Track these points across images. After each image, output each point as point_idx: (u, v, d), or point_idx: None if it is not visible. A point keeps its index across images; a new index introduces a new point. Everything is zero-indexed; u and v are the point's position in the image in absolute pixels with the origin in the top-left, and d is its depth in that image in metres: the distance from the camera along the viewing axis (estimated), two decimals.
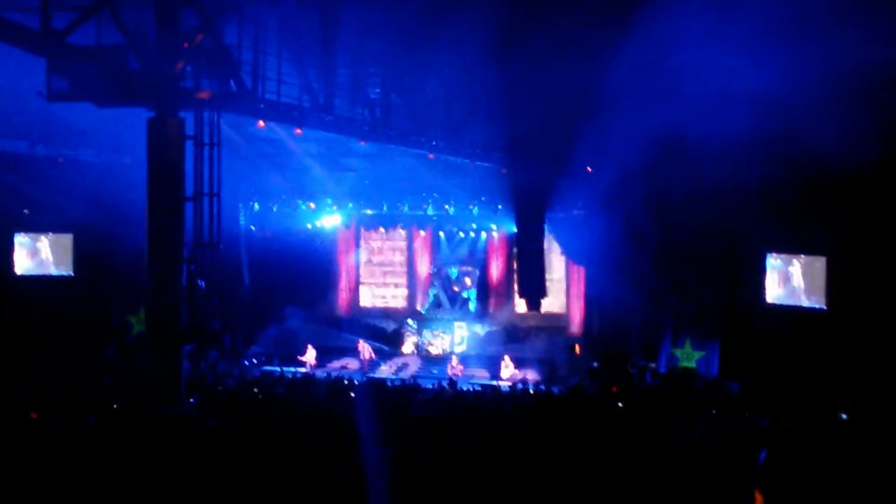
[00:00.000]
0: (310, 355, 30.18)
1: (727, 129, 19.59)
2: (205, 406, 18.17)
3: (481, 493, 8.24)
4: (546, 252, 28.45)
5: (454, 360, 29.64)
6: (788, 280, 23.55)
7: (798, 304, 23.31)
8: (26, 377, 20.25)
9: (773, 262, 23.84)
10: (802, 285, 23.28)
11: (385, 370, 30.00)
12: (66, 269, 26.52)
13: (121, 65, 14.74)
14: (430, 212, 31.69)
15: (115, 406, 17.62)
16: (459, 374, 28.61)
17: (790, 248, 23.56)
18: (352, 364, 30.67)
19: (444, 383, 23.25)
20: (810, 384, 20.38)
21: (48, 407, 16.32)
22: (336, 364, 30.49)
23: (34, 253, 26.43)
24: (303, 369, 28.79)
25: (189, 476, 7.57)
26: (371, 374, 28.59)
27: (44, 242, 26.40)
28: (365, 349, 30.54)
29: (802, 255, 23.30)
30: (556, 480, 10.35)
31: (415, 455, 10.69)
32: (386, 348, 32.25)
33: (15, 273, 26.11)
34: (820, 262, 22.85)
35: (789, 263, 23.56)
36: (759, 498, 7.85)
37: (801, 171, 20.68)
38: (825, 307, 22.65)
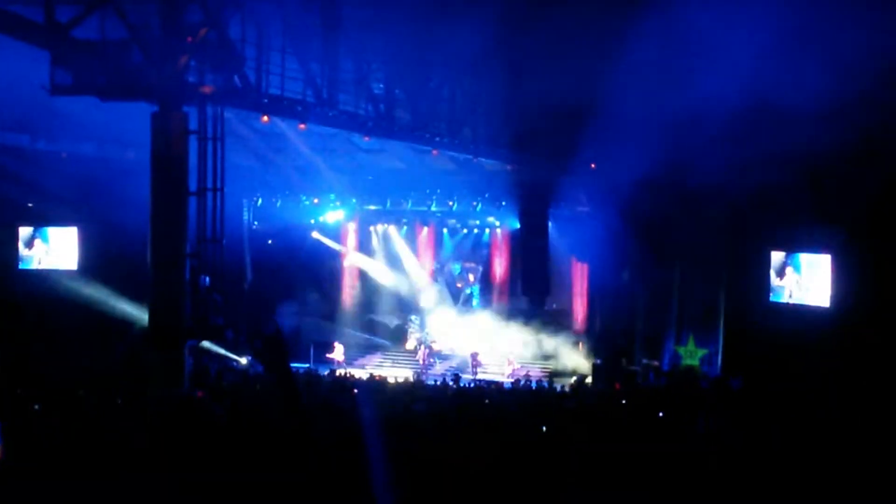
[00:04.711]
0: (338, 352, 30.41)
1: (729, 129, 19.58)
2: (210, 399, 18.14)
3: (483, 485, 8.23)
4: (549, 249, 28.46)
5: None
6: (792, 277, 23.48)
7: (802, 302, 23.23)
8: (30, 373, 20.19)
9: (776, 259, 23.76)
10: (806, 283, 23.20)
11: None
12: (69, 264, 26.43)
13: (125, 59, 14.74)
14: (433, 208, 31.53)
15: (118, 401, 17.62)
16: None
17: (794, 245, 23.49)
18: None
19: (449, 380, 23.24)
20: (813, 382, 20.31)
21: (51, 401, 16.27)
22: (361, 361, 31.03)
23: (38, 247, 26.36)
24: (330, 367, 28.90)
25: (197, 455, 7.57)
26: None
27: (47, 236, 26.35)
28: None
29: (807, 253, 23.23)
30: (558, 475, 10.36)
31: (418, 449, 10.68)
32: (388, 344, 32.35)
33: (19, 266, 26.05)
34: (824, 260, 22.78)
35: (793, 261, 23.49)
36: None
37: (805, 168, 20.62)
38: (829, 305, 22.57)
